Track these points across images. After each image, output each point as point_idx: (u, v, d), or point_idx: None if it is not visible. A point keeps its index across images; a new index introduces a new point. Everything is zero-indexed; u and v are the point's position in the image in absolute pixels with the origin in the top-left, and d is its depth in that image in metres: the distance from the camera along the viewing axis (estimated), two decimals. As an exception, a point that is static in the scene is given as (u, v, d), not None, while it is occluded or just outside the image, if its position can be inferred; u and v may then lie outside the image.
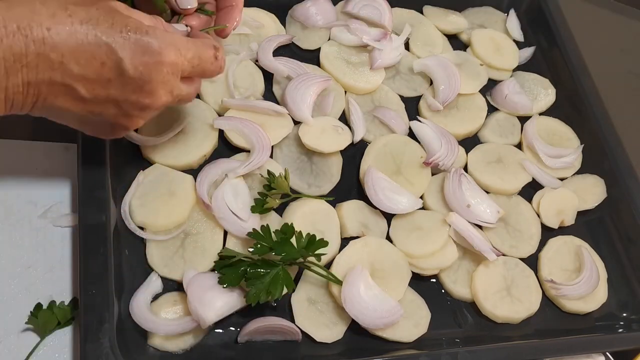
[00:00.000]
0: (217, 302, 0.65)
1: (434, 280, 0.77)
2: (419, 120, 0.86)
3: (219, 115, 0.79)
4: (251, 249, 0.67)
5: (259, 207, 0.72)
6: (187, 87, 0.61)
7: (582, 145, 0.91)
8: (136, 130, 0.74)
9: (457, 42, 0.99)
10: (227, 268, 0.66)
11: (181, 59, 0.57)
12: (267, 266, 0.66)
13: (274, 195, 0.73)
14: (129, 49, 0.54)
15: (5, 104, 0.52)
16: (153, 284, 0.67)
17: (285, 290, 0.66)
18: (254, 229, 0.68)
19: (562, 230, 0.85)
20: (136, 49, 0.54)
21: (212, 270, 0.68)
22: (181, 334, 0.65)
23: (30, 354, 0.63)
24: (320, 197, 0.77)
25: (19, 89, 0.52)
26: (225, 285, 0.65)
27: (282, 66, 0.83)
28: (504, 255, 0.79)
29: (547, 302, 0.79)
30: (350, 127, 0.83)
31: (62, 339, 0.65)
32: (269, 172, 0.74)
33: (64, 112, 0.56)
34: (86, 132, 0.62)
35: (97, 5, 0.54)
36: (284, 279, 0.66)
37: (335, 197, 0.78)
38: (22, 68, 0.51)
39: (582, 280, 0.79)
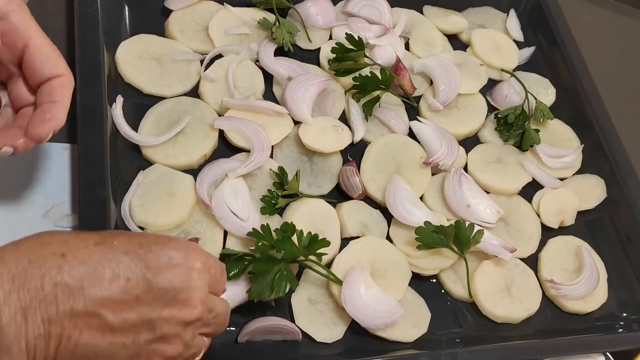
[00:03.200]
0: None
1: (434, 280, 0.77)
2: (419, 121, 0.86)
3: (219, 115, 0.79)
4: (253, 248, 0.67)
5: (269, 207, 0.72)
6: (219, 300, 0.55)
7: (582, 145, 0.91)
8: (136, 130, 0.74)
9: (457, 42, 0.99)
10: (229, 264, 0.66)
11: (207, 263, 0.53)
12: (269, 263, 0.66)
13: (284, 195, 0.73)
14: (154, 259, 0.49)
15: (27, 355, 0.45)
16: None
17: (288, 287, 0.66)
18: (253, 229, 0.68)
19: (562, 230, 0.85)
20: (162, 258, 0.50)
21: None
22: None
23: None
24: (320, 197, 0.77)
25: (40, 331, 0.45)
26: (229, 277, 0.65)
27: (283, 69, 0.83)
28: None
29: (547, 302, 0.79)
30: (350, 127, 0.83)
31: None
32: (280, 169, 0.74)
33: (90, 354, 0.47)
34: None
35: (107, 231, 0.51)
36: (286, 275, 0.66)
37: (336, 197, 0.78)
38: (40, 304, 0.45)
39: (582, 280, 0.79)
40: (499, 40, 0.99)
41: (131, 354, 0.49)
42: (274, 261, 0.66)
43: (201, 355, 0.55)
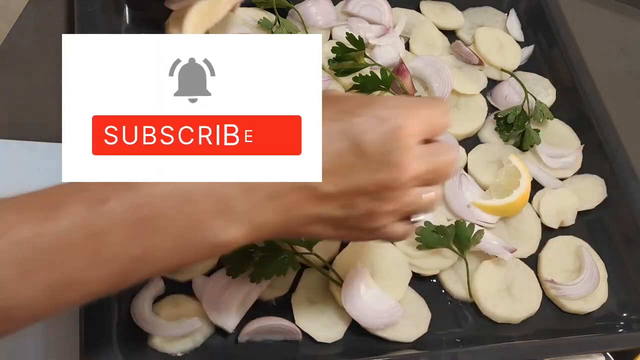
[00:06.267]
0: (233, 306, 0.66)
1: (434, 280, 0.77)
2: (419, 120, 0.85)
3: (219, 115, 0.78)
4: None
5: None
6: (437, 150, 0.54)
7: (582, 145, 0.91)
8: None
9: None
10: (234, 257, 0.66)
11: (414, 119, 0.51)
12: (274, 252, 0.66)
13: None
14: (363, 124, 0.49)
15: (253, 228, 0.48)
16: (155, 285, 0.67)
17: (290, 270, 0.66)
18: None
19: (562, 230, 0.85)
20: (369, 122, 0.49)
21: (219, 266, 0.69)
22: (182, 336, 0.65)
23: (31, 355, 0.63)
24: (321, 197, 0.77)
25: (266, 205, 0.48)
26: (233, 273, 0.66)
27: (283, 67, 0.83)
28: (504, 255, 0.79)
29: (547, 302, 0.79)
30: (350, 127, 0.83)
31: (62, 339, 0.65)
32: None
33: (313, 220, 0.51)
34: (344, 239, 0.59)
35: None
36: (289, 260, 0.66)
37: (336, 197, 0.78)
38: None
39: (582, 280, 0.79)
40: (503, 40, 0.99)
41: (353, 217, 0.52)
42: (277, 250, 0.67)
43: (424, 207, 0.55)
